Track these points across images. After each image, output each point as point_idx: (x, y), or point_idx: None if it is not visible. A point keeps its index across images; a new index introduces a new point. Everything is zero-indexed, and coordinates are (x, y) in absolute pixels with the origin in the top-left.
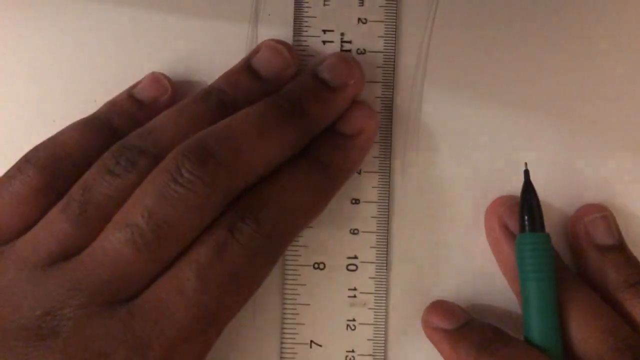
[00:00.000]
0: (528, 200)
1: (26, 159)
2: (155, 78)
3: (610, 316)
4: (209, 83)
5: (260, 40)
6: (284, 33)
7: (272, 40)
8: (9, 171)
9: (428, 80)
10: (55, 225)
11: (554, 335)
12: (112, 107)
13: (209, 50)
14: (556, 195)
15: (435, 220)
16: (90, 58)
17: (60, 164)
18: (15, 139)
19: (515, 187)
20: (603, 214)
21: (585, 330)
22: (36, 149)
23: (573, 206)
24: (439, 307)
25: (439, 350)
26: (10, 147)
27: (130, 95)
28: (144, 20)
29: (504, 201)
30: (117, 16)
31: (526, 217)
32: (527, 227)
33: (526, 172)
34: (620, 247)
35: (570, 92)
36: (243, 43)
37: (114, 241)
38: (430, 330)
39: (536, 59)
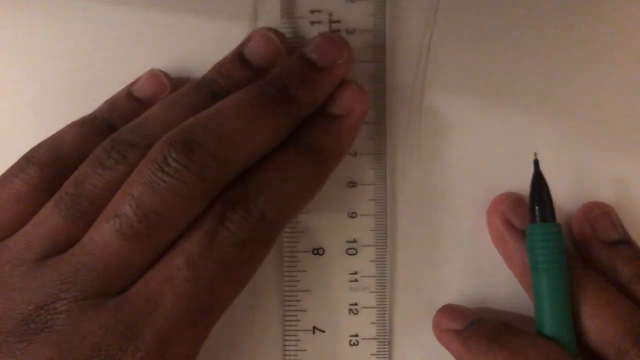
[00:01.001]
0: (538, 190)
1: (27, 158)
2: (154, 75)
3: (624, 302)
4: None
5: None
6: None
7: (264, 28)
8: (9, 169)
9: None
10: (48, 220)
11: (567, 326)
12: (111, 105)
13: (209, 50)
14: (559, 193)
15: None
16: (89, 57)
17: (60, 163)
18: (13, 138)
19: (518, 182)
20: (605, 210)
21: (599, 318)
22: (37, 148)
23: (577, 204)
24: (447, 309)
25: (452, 352)
26: (8, 146)
27: (129, 93)
28: (143, 19)
29: (505, 197)
30: (116, 15)
31: (537, 208)
32: (537, 218)
33: (536, 162)
34: (626, 241)
35: (574, 90)
36: None
37: (103, 232)
38: (441, 333)
39: (539, 55)
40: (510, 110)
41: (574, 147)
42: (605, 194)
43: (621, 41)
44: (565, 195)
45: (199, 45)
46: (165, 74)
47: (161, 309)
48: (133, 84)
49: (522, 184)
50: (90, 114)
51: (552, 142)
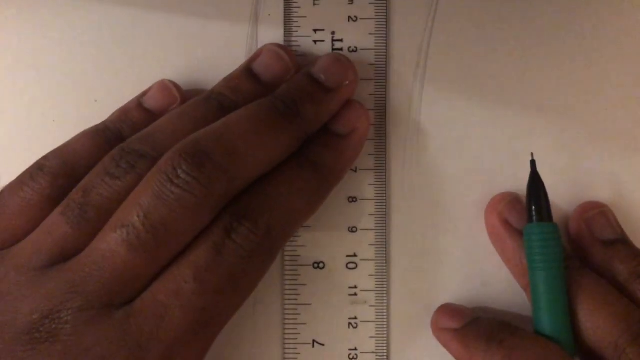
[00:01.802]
0: (535, 190)
1: (38, 167)
2: (165, 86)
3: (621, 302)
4: (208, 82)
5: (260, 40)
6: (284, 33)
7: (273, 44)
8: (20, 177)
9: (423, 76)
10: (55, 228)
11: (565, 325)
12: (122, 116)
13: (209, 50)
14: (557, 193)
15: (435, 216)
16: (90, 58)
17: (72, 174)
18: (15, 139)
19: (515, 183)
20: (601, 209)
21: (596, 317)
22: (48, 157)
23: (574, 204)
24: (446, 308)
25: (450, 351)
26: (10, 147)
27: (139, 104)
28: (144, 20)
29: (503, 197)
30: (117, 16)
31: (534, 207)
32: (534, 217)
33: (532, 163)
34: (623, 240)
35: (570, 90)
36: (243, 43)
37: (110, 242)
38: (439, 332)
39: (537, 56)
40: (508, 112)
41: (571, 148)
42: (603, 194)
43: (619, 42)
44: (563, 195)
45: (200, 48)
46: (176, 85)
47: (168, 321)
48: (144, 94)
49: (520, 185)
50: (102, 123)
51: (549, 143)
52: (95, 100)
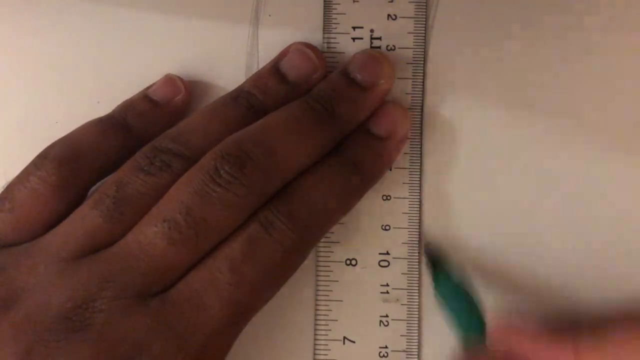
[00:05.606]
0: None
1: (43, 156)
2: (170, 79)
3: None
4: (210, 83)
5: (260, 41)
6: (285, 34)
7: (300, 43)
8: (25, 168)
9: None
10: (86, 220)
11: None
12: (127, 106)
13: (210, 51)
14: (557, 194)
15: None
16: (93, 59)
17: (77, 161)
18: (17, 141)
19: (516, 184)
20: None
21: None
22: (53, 146)
23: (574, 205)
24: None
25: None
26: (12, 149)
27: (145, 95)
28: (146, 21)
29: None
30: (119, 17)
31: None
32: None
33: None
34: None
35: (573, 92)
36: (244, 44)
37: (150, 235)
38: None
39: (539, 59)
40: (509, 111)
41: (573, 149)
42: (603, 194)
43: (621, 43)
44: (563, 196)
45: (201, 49)
46: (181, 79)
47: (204, 312)
48: (149, 87)
49: (522, 186)
50: (107, 114)
51: (550, 144)
52: (98, 102)
